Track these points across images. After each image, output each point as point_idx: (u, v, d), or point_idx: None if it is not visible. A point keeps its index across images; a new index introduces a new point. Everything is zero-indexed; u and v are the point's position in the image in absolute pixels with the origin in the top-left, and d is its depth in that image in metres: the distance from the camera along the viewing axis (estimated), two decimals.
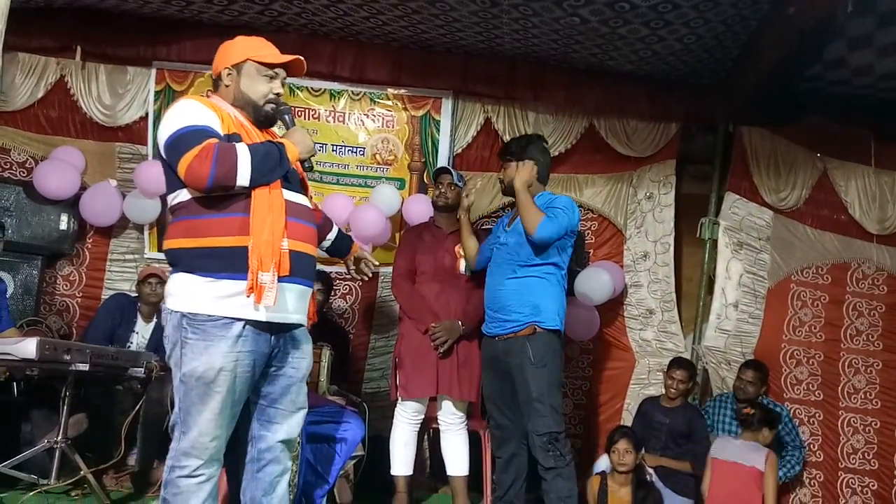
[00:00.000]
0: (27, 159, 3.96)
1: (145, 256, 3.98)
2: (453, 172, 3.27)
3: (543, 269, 2.82)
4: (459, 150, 4.06)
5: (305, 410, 2.06)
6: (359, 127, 4.01)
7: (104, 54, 3.93)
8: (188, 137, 1.81)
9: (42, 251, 3.84)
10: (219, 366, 1.81)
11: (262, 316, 1.84)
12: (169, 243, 1.92)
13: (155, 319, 3.63)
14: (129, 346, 3.53)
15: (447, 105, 3.97)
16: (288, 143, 1.95)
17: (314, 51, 3.77)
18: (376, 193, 3.85)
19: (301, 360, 2.02)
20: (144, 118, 3.94)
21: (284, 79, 2.05)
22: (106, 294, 3.91)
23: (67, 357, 2.69)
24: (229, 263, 1.81)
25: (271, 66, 1.99)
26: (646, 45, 3.53)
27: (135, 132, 3.98)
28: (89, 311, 3.86)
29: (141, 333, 3.60)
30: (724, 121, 4.08)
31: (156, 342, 3.54)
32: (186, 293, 1.84)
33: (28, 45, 3.89)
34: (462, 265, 3.16)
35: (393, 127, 4.01)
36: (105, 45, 3.89)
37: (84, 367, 2.73)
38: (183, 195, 1.89)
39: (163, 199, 3.87)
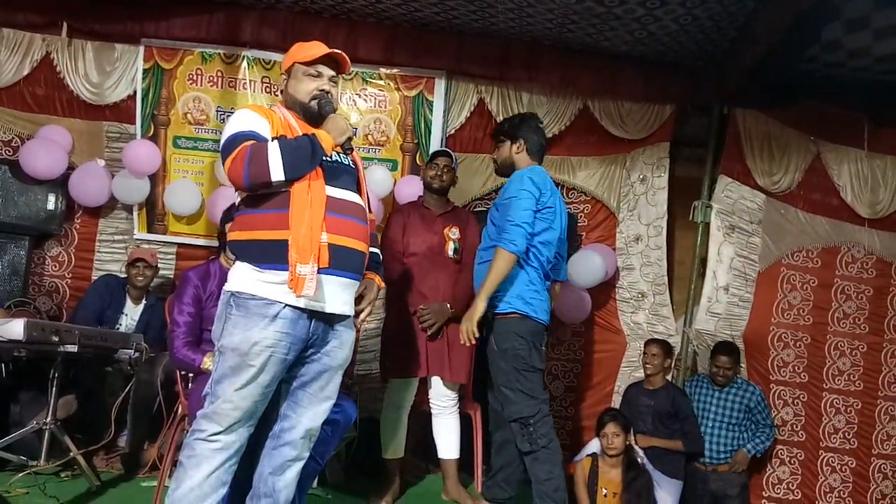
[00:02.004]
0: (13, 138, 3.91)
1: (134, 237, 3.94)
2: (453, 156, 3.24)
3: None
4: (452, 131, 4.02)
5: (332, 402, 2.10)
6: (351, 107, 3.96)
7: (91, 31, 3.85)
8: (231, 145, 1.96)
9: (29, 231, 3.80)
10: (254, 340, 1.90)
11: (300, 303, 1.93)
12: (229, 236, 2.13)
13: (144, 301, 3.60)
14: (119, 328, 3.50)
15: (440, 85, 3.93)
16: (320, 132, 2.01)
17: (304, 29, 3.71)
18: (368, 175, 3.81)
19: (338, 350, 2.06)
20: (132, 96, 3.88)
21: (334, 77, 2.12)
22: (96, 275, 3.88)
23: (56, 338, 2.67)
24: (272, 255, 1.93)
25: (309, 63, 2.09)
26: (641, 26, 3.50)
27: (123, 111, 3.92)
28: (79, 291, 3.83)
29: (130, 315, 3.57)
30: (718, 103, 4.06)
31: (145, 324, 3.53)
32: (237, 277, 1.99)
33: (12, 21, 3.82)
34: (451, 247, 3.13)
35: (385, 107, 3.96)
36: (92, 22, 3.82)
37: (73, 348, 2.72)
38: (239, 194, 2.06)
39: (151, 178, 3.85)
